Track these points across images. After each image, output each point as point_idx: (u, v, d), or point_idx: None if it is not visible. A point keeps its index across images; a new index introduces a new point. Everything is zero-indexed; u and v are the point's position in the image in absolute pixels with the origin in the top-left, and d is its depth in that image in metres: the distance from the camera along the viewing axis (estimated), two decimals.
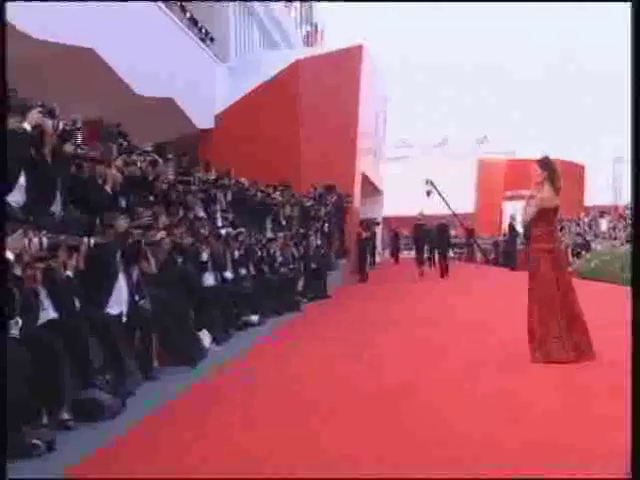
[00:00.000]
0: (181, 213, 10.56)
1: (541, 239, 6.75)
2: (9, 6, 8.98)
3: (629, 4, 3.30)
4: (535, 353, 6.51)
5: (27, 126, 6.27)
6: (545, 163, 6.88)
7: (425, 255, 22.44)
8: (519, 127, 47.19)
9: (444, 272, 20.48)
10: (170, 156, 13.22)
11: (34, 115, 6.37)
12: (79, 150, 8.09)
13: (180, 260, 8.73)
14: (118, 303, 6.29)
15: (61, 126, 7.12)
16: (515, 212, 24.03)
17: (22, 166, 6.31)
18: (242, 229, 12.34)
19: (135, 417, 5.08)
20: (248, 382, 6.42)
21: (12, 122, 6.23)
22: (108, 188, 8.05)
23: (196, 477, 3.76)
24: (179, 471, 3.86)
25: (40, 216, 6.12)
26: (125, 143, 11.19)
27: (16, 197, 6.27)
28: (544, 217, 6.74)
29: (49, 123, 6.73)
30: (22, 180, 6.33)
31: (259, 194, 16.19)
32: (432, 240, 21.97)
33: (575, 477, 3.25)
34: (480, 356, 7.06)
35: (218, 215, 12.99)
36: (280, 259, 13.80)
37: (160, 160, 11.29)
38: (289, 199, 17.94)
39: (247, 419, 5.00)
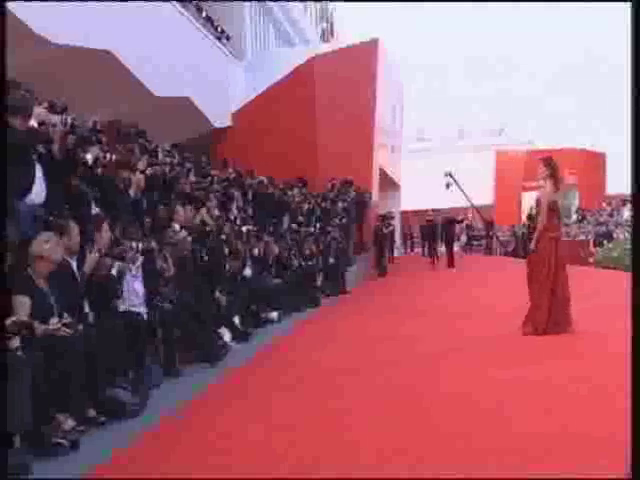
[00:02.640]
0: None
1: (549, 229, 7.63)
2: (25, 10, 9.19)
3: (629, 4, 3.29)
4: (525, 327, 7.54)
5: (33, 123, 6.30)
6: (548, 162, 7.75)
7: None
8: (539, 117, 46.80)
9: (450, 263, 21.42)
10: (188, 155, 13.34)
11: (39, 112, 6.41)
12: (103, 153, 8.16)
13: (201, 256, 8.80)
14: (135, 305, 6.38)
15: (69, 121, 7.16)
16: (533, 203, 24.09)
17: (36, 161, 6.37)
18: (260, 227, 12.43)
19: (157, 415, 5.16)
20: (269, 379, 6.49)
21: (18, 122, 6.29)
22: (132, 192, 8.13)
23: (219, 477, 3.79)
24: (201, 469, 3.90)
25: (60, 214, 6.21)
26: (146, 143, 11.33)
27: (37, 190, 6.34)
28: (551, 210, 7.65)
29: (55, 118, 6.78)
30: (39, 173, 6.40)
31: (276, 192, 16.25)
32: (440, 233, 22.77)
33: (576, 477, 3.25)
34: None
35: (235, 213, 13.06)
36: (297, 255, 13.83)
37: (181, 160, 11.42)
38: (306, 196, 17.97)
39: (269, 416, 5.04)
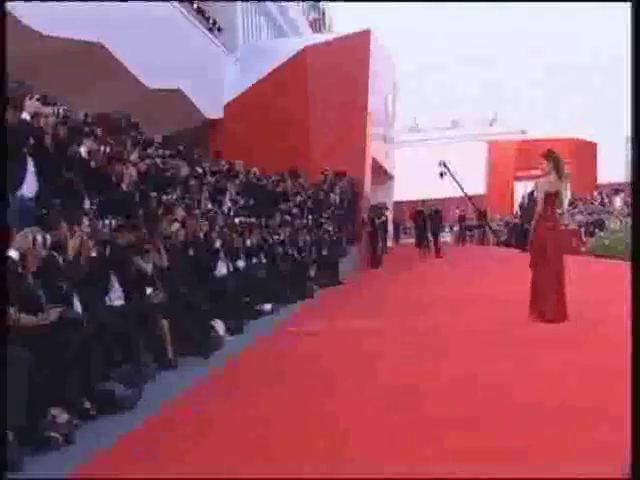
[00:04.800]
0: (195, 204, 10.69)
1: (546, 219, 7.85)
2: (14, 2, 9.13)
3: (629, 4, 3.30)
4: (536, 313, 7.73)
5: (26, 115, 6.29)
6: (550, 155, 7.93)
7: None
8: (530, 106, 46.83)
9: (438, 252, 22.15)
10: (180, 148, 13.33)
11: (32, 104, 6.38)
12: (96, 146, 8.14)
13: (192, 252, 8.79)
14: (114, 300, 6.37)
15: (62, 112, 7.14)
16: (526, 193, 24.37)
17: (28, 154, 6.36)
18: (254, 220, 12.44)
19: (152, 408, 5.15)
20: (264, 371, 6.50)
21: (10, 114, 6.27)
22: (124, 186, 8.12)
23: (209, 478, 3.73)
24: (194, 465, 3.87)
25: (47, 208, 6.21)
26: (138, 135, 11.32)
27: (29, 185, 6.34)
28: (549, 200, 7.84)
29: (47, 110, 6.77)
30: (31, 168, 6.39)
31: (269, 183, 16.28)
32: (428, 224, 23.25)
33: (575, 477, 3.28)
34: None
35: (228, 205, 13.07)
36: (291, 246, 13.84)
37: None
38: (299, 187, 17.98)
39: (263, 410, 5.02)
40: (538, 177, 8.29)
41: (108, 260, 6.39)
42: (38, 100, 6.72)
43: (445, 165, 28.86)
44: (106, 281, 6.21)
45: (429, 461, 3.66)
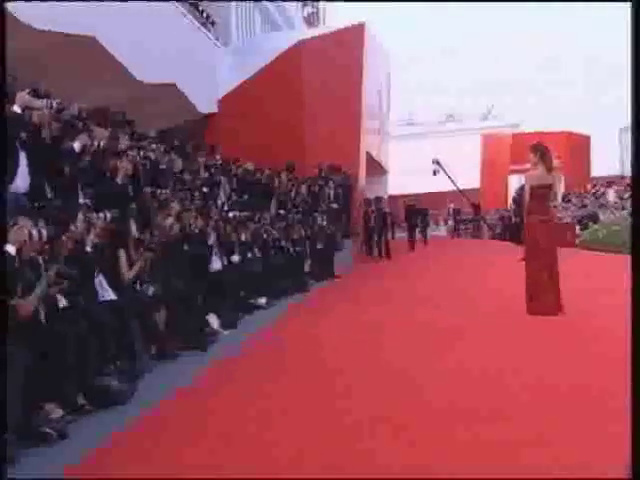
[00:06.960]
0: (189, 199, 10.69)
1: (536, 212, 7.87)
2: None
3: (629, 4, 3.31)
4: (532, 306, 7.78)
5: (16, 108, 6.26)
6: (536, 148, 7.95)
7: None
8: (524, 99, 46.88)
9: (412, 245, 22.80)
10: (176, 143, 13.32)
11: (22, 96, 6.36)
12: (90, 140, 8.12)
13: (187, 246, 8.77)
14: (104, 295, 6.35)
15: (55, 105, 7.13)
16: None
17: (20, 149, 6.33)
18: (248, 214, 12.44)
19: (147, 402, 5.16)
20: (259, 365, 6.51)
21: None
22: (119, 180, 8.12)
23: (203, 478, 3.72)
24: (189, 460, 3.89)
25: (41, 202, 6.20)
26: (131, 130, 11.31)
27: (22, 180, 6.32)
28: (537, 193, 7.85)
29: (38, 102, 6.76)
30: (24, 163, 6.36)
31: (264, 177, 16.28)
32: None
33: (575, 477, 3.30)
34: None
35: (223, 199, 13.06)
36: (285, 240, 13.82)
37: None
38: (294, 181, 17.97)
39: (258, 403, 5.02)
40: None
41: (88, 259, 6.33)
42: (29, 93, 6.70)
43: (438, 163, 28.87)
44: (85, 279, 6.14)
45: (436, 453, 3.70)
